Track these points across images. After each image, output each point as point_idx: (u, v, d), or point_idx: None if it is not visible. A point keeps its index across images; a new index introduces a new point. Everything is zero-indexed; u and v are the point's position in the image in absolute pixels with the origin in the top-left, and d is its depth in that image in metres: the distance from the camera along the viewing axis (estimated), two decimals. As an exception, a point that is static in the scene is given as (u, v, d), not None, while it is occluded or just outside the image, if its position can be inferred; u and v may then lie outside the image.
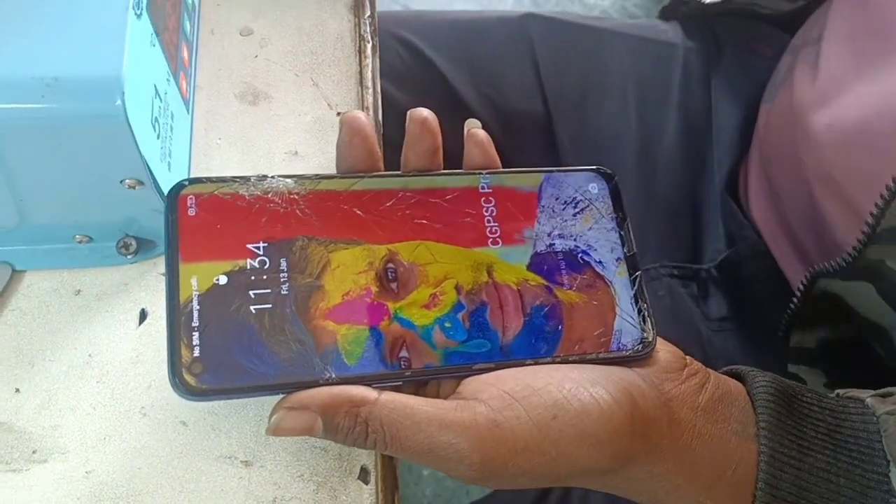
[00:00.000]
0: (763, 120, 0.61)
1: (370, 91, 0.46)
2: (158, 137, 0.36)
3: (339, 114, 0.46)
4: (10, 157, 0.34)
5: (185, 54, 0.42)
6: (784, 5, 0.65)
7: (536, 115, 0.67)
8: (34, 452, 0.36)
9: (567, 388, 0.31)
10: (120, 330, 0.39)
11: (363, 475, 0.37)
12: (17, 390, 0.37)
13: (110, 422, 0.37)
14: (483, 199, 0.36)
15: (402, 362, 0.32)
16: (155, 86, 0.36)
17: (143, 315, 0.39)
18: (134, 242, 0.40)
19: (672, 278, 0.64)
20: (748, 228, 0.62)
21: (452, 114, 0.42)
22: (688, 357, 0.36)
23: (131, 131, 0.32)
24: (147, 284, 0.40)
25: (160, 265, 0.41)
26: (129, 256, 0.40)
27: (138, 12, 0.34)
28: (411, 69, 0.65)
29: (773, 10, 0.65)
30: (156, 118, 0.36)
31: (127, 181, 0.35)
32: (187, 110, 0.42)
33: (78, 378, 0.38)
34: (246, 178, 0.33)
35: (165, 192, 0.36)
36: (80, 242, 0.39)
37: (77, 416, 0.37)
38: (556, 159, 0.66)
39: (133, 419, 0.37)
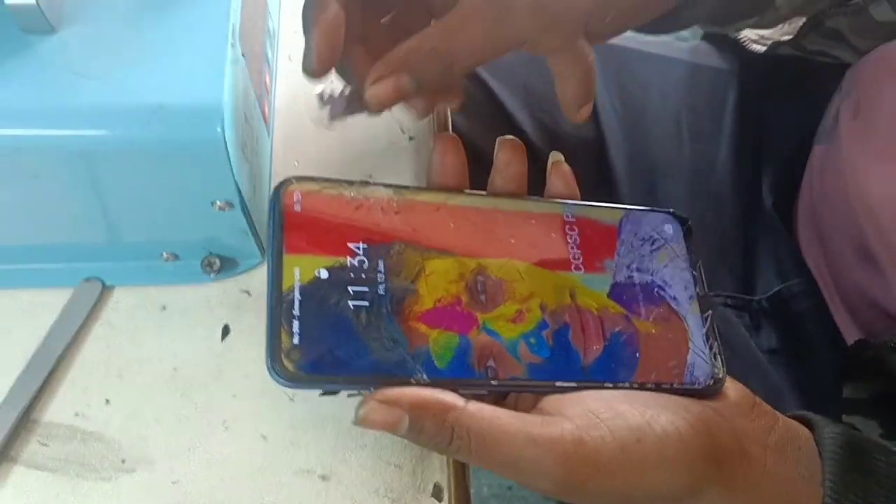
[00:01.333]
0: (816, 163, 0.61)
1: (441, 114, 0.47)
2: (247, 161, 0.37)
3: (410, 138, 0.47)
4: (106, 179, 0.35)
5: (267, 79, 0.44)
6: (849, 57, 0.65)
7: (589, 140, 0.68)
8: (123, 461, 0.38)
9: (649, 413, 0.32)
10: (203, 345, 0.41)
11: (437, 492, 0.38)
12: (108, 401, 0.39)
13: (194, 434, 0.39)
14: (567, 226, 0.37)
15: (489, 371, 0.33)
16: (245, 112, 0.38)
17: (225, 330, 0.41)
18: (218, 261, 0.41)
19: (725, 307, 0.64)
20: (800, 265, 0.62)
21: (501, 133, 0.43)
22: (756, 398, 0.37)
23: (228, 157, 0.34)
24: (229, 301, 0.42)
25: (242, 283, 0.42)
26: (212, 274, 0.41)
27: (233, 41, 0.35)
28: (467, 92, 0.67)
29: (836, 60, 0.65)
30: (244, 142, 0.37)
31: (218, 203, 0.37)
32: (269, 133, 0.44)
33: (163, 391, 0.39)
34: (350, 181, 0.34)
35: (250, 214, 0.38)
36: (166, 260, 0.41)
37: (163, 427, 0.39)
38: (609, 186, 0.66)
39: (216, 432, 0.39)
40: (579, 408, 0.32)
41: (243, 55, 0.38)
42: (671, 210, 0.40)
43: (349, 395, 0.40)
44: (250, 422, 0.39)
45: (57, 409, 0.39)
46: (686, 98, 0.68)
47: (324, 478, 0.38)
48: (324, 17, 0.34)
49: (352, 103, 0.35)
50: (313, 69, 0.34)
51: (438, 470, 0.39)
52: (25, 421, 0.38)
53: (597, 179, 0.67)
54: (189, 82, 0.33)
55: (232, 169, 0.34)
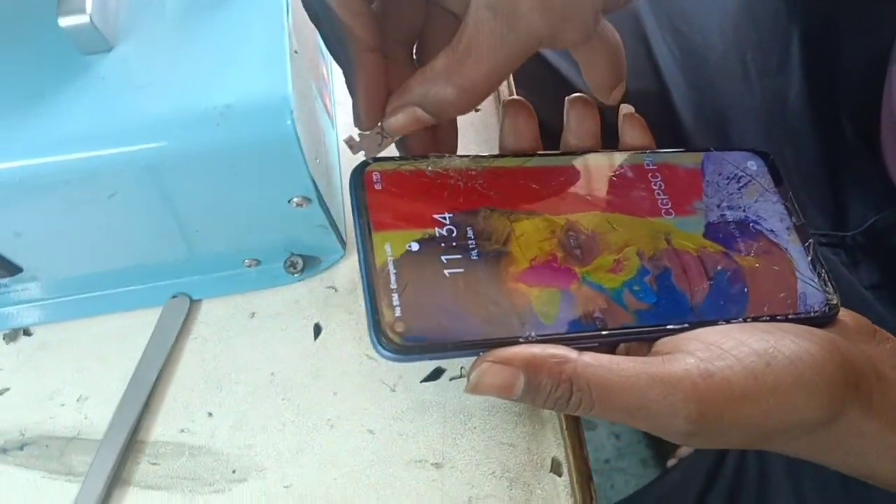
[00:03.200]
0: (894, 85, 0.58)
1: (504, 84, 0.46)
2: (317, 156, 0.37)
3: (477, 110, 0.46)
4: (180, 191, 0.35)
5: (325, 72, 0.43)
6: None
7: (652, 93, 0.65)
8: (234, 472, 0.38)
9: (773, 339, 0.31)
10: (297, 347, 0.40)
11: (555, 467, 0.37)
12: (210, 414, 0.39)
13: (300, 436, 0.38)
14: (650, 174, 0.36)
15: (597, 322, 0.32)
16: (309, 105, 0.37)
17: (317, 329, 0.40)
18: (300, 261, 0.41)
19: (819, 246, 0.62)
20: (892, 193, 0.59)
21: (562, 101, 0.41)
22: (875, 325, 0.35)
23: (301, 150, 0.33)
24: (317, 300, 0.41)
25: (327, 279, 0.41)
26: (296, 275, 0.41)
27: (290, 33, 0.35)
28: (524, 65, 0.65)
29: None
30: (313, 135, 0.36)
31: (295, 200, 0.36)
32: (332, 125, 0.43)
33: (264, 397, 0.39)
34: (425, 157, 0.34)
35: (326, 207, 0.37)
36: (249, 267, 0.41)
37: (268, 433, 0.38)
38: (678, 137, 0.64)
39: (322, 431, 0.38)
40: (698, 342, 0.31)
41: (296, 51, 0.37)
42: (751, 148, 0.38)
43: (451, 378, 0.39)
44: (354, 418, 0.38)
45: (162, 428, 0.39)
46: (748, 34, 0.65)
47: (437, 465, 0.37)
48: (364, 75, 0.33)
49: (379, 139, 0.35)
50: (364, 125, 0.34)
51: (554, 444, 0.38)
52: (133, 443, 0.38)
53: (665, 132, 0.65)
54: (252, 79, 0.32)
55: (306, 162, 0.34)
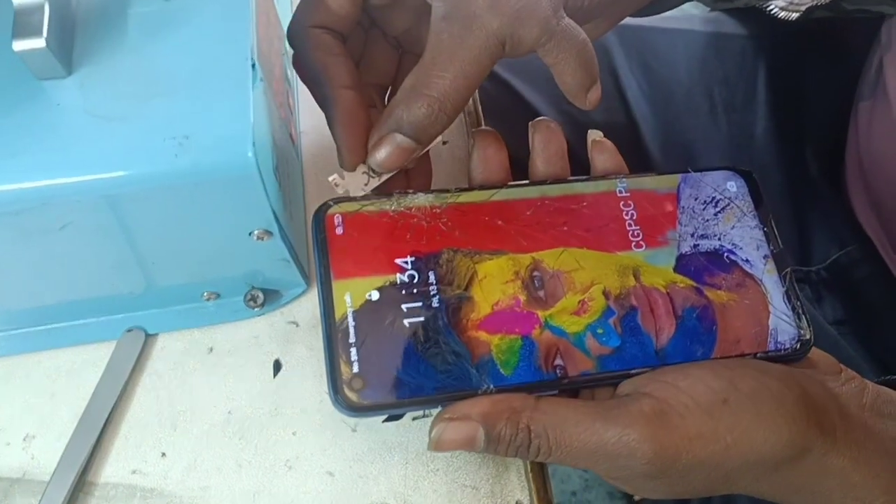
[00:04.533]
0: (862, 120, 0.58)
1: (472, 115, 0.45)
2: (280, 187, 0.36)
3: (444, 142, 0.45)
4: (138, 222, 0.34)
5: (290, 100, 0.42)
6: (891, 9, 0.62)
7: (620, 126, 0.66)
8: (187, 516, 0.36)
9: (731, 375, 0.31)
10: (256, 384, 0.39)
11: (519, 511, 0.36)
12: (164, 454, 0.37)
13: (257, 478, 0.37)
14: (622, 202, 0.35)
15: (557, 370, 0.32)
16: (272, 134, 0.36)
17: (277, 366, 0.39)
18: (261, 294, 0.39)
19: None
20: (856, 230, 0.59)
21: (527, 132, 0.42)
22: (841, 364, 0.35)
23: (262, 182, 0.32)
24: (277, 335, 0.40)
25: (288, 314, 0.40)
26: (257, 309, 0.40)
27: (253, 62, 0.34)
28: (486, 90, 0.65)
29: (875, 16, 0.62)
30: (276, 167, 0.36)
31: (256, 233, 0.35)
32: (297, 156, 0.42)
33: (220, 436, 0.38)
34: (388, 195, 0.33)
35: (289, 240, 0.36)
36: (208, 300, 0.39)
37: (224, 475, 0.37)
38: (646, 169, 0.64)
39: (279, 473, 0.37)
40: (656, 383, 0.31)
41: (262, 78, 0.36)
42: (732, 166, 0.37)
43: (414, 418, 0.38)
44: (314, 459, 0.37)
45: (113, 469, 0.37)
46: (715, 70, 0.66)
47: (399, 509, 0.36)
48: (342, 112, 0.34)
49: (365, 179, 0.34)
50: (347, 164, 0.34)
51: (518, 487, 0.37)
52: (82, 484, 0.36)
53: (633, 165, 0.65)
54: (213, 109, 0.31)
55: (267, 194, 0.33)
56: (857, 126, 0.58)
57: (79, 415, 0.37)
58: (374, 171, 0.34)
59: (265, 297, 0.39)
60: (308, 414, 0.38)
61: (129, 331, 0.39)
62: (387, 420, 0.38)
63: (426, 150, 0.34)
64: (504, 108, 0.65)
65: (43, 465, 0.37)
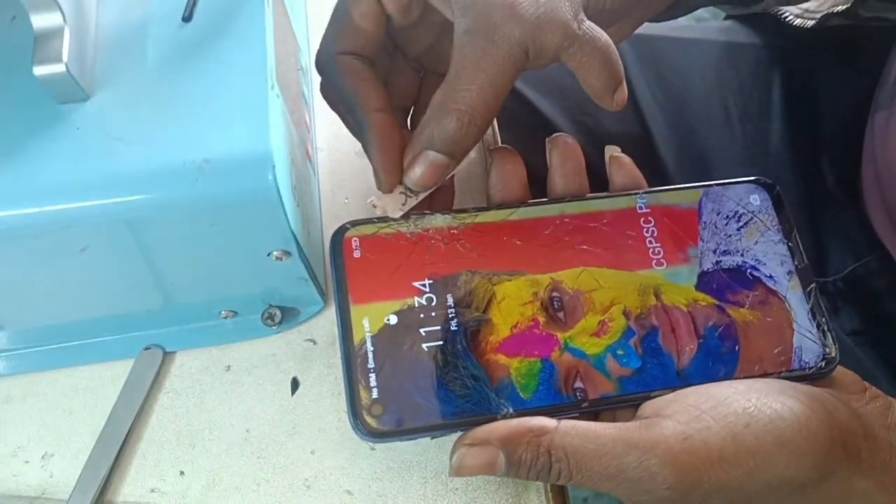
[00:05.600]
0: (878, 131, 0.58)
1: (489, 132, 0.45)
2: (298, 205, 0.36)
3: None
4: (157, 244, 0.34)
5: (307, 118, 0.42)
6: None
7: (635, 136, 0.65)
8: (206, 535, 0.36)
9: (755, 397, 0.30)
10: (274, 402, 0.39)
11: (538, 531, 0.36)
12: (182, 473, 0.37)
13: (275, 497, 0.37)
14: (642, 219, 0.35)
15: (577, 393, 0.31)
16: (289, 154, 0.36)
17: (295, 384, 0.39)
18: (278, 312, 0.39)
19: None
20: (872, 241, 0.59)
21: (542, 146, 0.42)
22: (865, 382, 0.34)
23: (282, 205, 0.32)
24: (295, 353, 0.40)
25: (306, 332, 0.40)
26: (274, 327, 0.40)
27: (272, 84, 0.34)
28: (505, 106, 0.65)
29: (892, 23, 0.62)
30: (294, 186, 0.35)
31: (274, 253, 0.35)
32: (314, 173, 0.42)
33: (238, 455, 0.38)
34: (406, 217, 0.33)
35: (307, 259, 0.36)
36: (225, 318, 0.39)
37: (242, 494, 0.37)
38: (661, 180, 0.64)
39: (298, 492, 0.37)
40: (678, 404, 0.30)
41: (279, 96, 0.36)
42: (755, 178, 0.37)
43: (433, 438, 0.37)
44: (333, 478, 0.37)
45: (131, 487, 0.37)
46: (730, 79, 0.65)
47: (417, 529, 0.36)
48: (377, 135, 0.34)
49: (403, 199, 0.34)
50: (385, 186, 0.34)
51: (537, 508, 0.36)
52: (100, 503, 0.36)
53: (648, 177, 0.65)
54: (233, 132, 0.31)
55: (287, 216, 0.33)
56: (874, 136, 0.58)
57: (97, 433, 0.37)
58: (410, 190, 0.33)
59: (283, 316, 0.39)
60: (326, 432, 0.38)
61: (146, 349, 0.39)
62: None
63: (458, 166, 0.34)
64: (518, 119, 0.65)
65: (61, 483, 0.37)
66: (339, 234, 0.32)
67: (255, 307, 0.39)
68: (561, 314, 0.32)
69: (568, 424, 0.30)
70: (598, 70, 0.34)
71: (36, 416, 0.39)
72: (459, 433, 0.30)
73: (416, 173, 0.33)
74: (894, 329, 0.58)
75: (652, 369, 0.32)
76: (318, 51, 0.36)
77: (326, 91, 0.37)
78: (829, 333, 0.34)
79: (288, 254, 0.35)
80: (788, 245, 0.35)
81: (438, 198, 0.37)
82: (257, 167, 0.31)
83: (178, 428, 0.38)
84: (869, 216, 0.60)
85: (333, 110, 0.36)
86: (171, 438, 0.38)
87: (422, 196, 0.34)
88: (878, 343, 0.59)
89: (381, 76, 0.37)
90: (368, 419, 0.29)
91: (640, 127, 0.65)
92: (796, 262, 0.35)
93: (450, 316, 0.32)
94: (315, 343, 0.40)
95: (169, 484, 0.37)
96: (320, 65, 0.36)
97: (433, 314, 0.31)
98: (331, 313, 0.41)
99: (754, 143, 0.64)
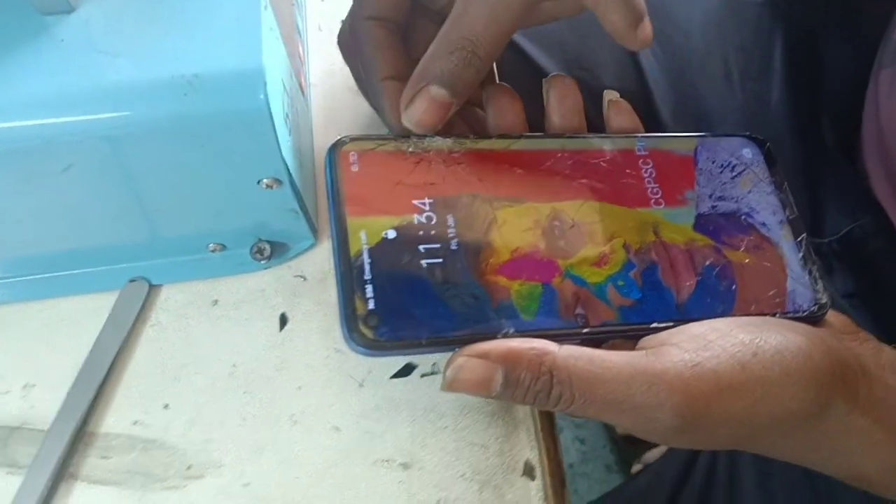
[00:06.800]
0: (883, 88, 0.57)
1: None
2: (291, 134, 0.35)
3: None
4: (143, 166, 0.33)
5: (300, 50, 0.41)
6: None
7: (634, 92, 0.64)
8: (189, 468, 0.35)
9: (759, 330, 0.30)
10: (261, 337, 0.38)
11: (528, 470, 0.36)
12: (166, 406, 0.37)
13: (261, 432, 0.36)
14: (640, 160, 0.35)
15: (578, 318, 0.31)
16: (283, 81, 0.35)
17: (283, 320, 0.38)
18: (268, 247, 0.38)
19: None
20: (870, 202, 0.58)
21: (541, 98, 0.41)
22: (856, 325, 0.34)
23: (273, 127, 0.31)
24: (284, 289, 0.39)
25: (295, 268, 0.39)
26: (263, 262, 0.39)
27: (265, 4, 0.33)
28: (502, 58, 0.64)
29: None
30: (286, 114, 0.35)
31: (265, 181, 0.34)
32: (308, 107, 0.41)
33: (224, 390, 0.37)
34: (406, 136, 0.33)
35: (298, 190, 0.35)
36: (213, 251, 0.38)
37: (227, 428, 0.36)
38: (660, 136, 0.63)
39: (284, 428, 0.36)
40: (683, 335, 0.30)
41: (273, 15, 0.35)
42: (747, 133, 0.38)
43: (423, 375, 0.37)
44: (320, 414, 0.36)
45: (114, 420, 0.36)
46: (731, 37, 0.64)
47: (405, 466, 0.35)
48: (390, 100, 0.34)
49: None
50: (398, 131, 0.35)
51: (527, 446, 0.36)
52: (82, 435, 0.36)
53: (645, 131, 0.64)
54: (225, 48, 0.30)
55: (277, 140, 0.32)
56: (879, 94, 0.57)
57: (79, 365, 0.37)
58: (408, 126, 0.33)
59: (272, 251, 0.39)
60: (314, 369, 0.37)
61: (132, 281, 0.38)
62: (395, 376, 0.37)
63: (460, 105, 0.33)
64: (517, 74, 0.64)
65: (42, 414, 0.36)
66: (336, 146, 0.31)
67: (245, 241, 0.38)
68: (562, 242, 0.32)
69: (572, 348, 0.29)
70: (616, 5, 0.33)
71: (18, 347, 0.38)
72: (456, 350, 0.29)
73: (416, 109, 0.32)
74: (888, 291, 0.58)
75: (652, 301, 0.32)
76: (348, 14, 0.37)
77: (349, 51, 0.38)
78: (819, 280, 0.34)
79: (279, 182, 0.34)
80: (780, 197, 0.36)
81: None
82: (249, 84, 0.30)
83: (162, 361, 0.37)
84: (867, 177, 0.59)
85: (354, 77, 0.38)
86: (156, 372, 0.37)
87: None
88: (871, 305, 0.58)
89: (403, 35, 0.37)
90: (364, 330, 0.28)
91: (639, 83, 0.64)
92: (787, 213, 0.36)
93: (450, 235, 0.31)
94: (305, 279, 0.39)
95: (152, 417, 0.36)
96: (351, 28, 0.37)
97: (433, 232, 0.31)
98: (321, 250, 0.40)
99: (754, 101, 0.63)
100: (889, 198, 0.57)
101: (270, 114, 0.30)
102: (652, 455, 0.99)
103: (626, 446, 1.08)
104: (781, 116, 0.63)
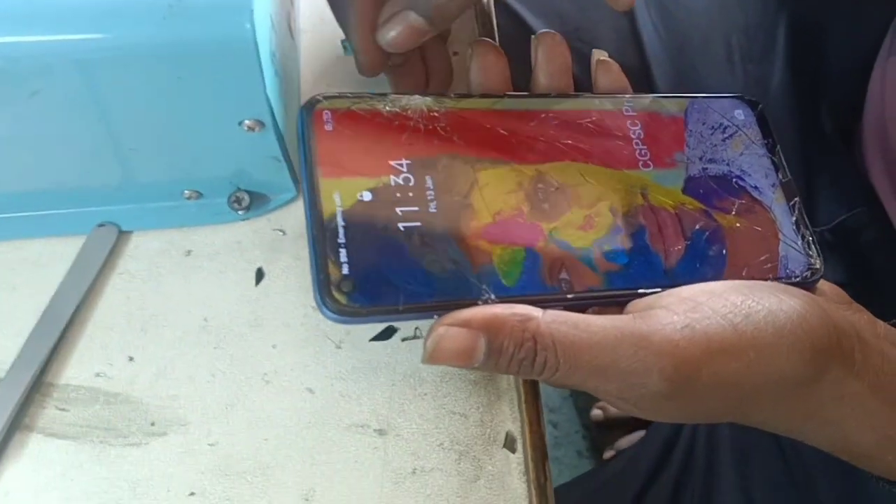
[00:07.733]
0: (890, 77, 0.56)
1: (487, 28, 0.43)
2: (277, 75, 0.33)
3: (454, 53, 0.42)
4: (116, 96, 0.31)
5: (291, -7, 0.39)
6: None
7: (633, 67, 0.63)
8: (153, 424, 0.33)
9: (751, 292, 0.29)
10: (236, 291, 0.36)
11: (509, 442, 0.34)
12: (131, 359, 0.34)
13: (231, 390, 0.34)
14: (629, 121, 0.34)
15: (563, 284, 0.30)
16: (271, 16, 0.33)
17: (260, 274, 0.36)
18: (247, 197, 0.36)
19: None
20: (865, 192, 0.57)
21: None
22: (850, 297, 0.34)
23: (258, 61, 0.29)
24: (262, 242, 0.37)
25: (275, 221, 0.37)
26: (241, 212, 0.37)
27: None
28: (498, 23, 0.62)
29: None
30: (273, 52, 0.32)
31: (246, 122, 0.32)
32: (296, 53, 0.39)
33: (194, 344, 0.35)
34: (383, 95, 0.31)
35: (282, 136, 0.33)
36: (188, 199, 0.36)
37: (196, 384, 0.34)
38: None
39: (255, 386, 0.34)
40: (672, 297, 0.29)
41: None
42: (739, 94, 0.36)
43: (404, 339, 0.35)
44: (294, 374, 0.35)
45: (75, 370, 0.34)
46: (736, 18, 0.63)
47: (380, 432, 0.34)
48: (358, 14, 0.33)
49: None
50: (365, 68, 0.35)
51: (509, 418, 0.34)
52: (40, 384, 0.34)
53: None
54: (209, -28, 0.28)
55: (262, 77, 0.30)
56: (884, 82, 0.56)
57: (40, 311, 0.35)
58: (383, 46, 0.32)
59: (251, 201, 0.37)
60: (290, 327, 0.35)
61: (100, 225, 0.36)
62: (374, 339, 0.35)
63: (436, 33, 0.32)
64: (511, 40, 0.62)
65: (-1, 361, 0.34)
66: (310, 105, 0.30)
67: (222, 189, 0.36)
68: (546, 205, 0.31)
69: (556, 313, 0.27)
70: None
71: (-25, 290, 0.36)
72: (435, 318, 0.28)
73: (391, 32, 0.32)
74: (880, 283, 0.57)
75: (639, 266, 0.31)
76: None
77: None
78: (813, 246, 0.33)
79: (261, 124, 0.32)
80: (773, 160, 0.35)
81: (435, 77, 0.35)
82: (234, 11, 0.28)
83: (129, 311, 0.35)
84: (865, 166, 0.58)
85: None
86: (122, 322, 0.35)
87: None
88: (862, 296, 0.57)
89: None
90: (337, 296, 0.27)
91: (639, 59, 0.63)
92: (780, 177, 0.35)
93: (428, 198, 0.29)
94: (284, 233, 0.37)
95: (116, 369, 0.34)
96: None
97: (410, 194, 0.29)
98: (303, 204, 0.38)
99: (755, 83, 0.62)
100: (886, 185, 0.56)
101: (256, 46, 0.28)
102: (625, 441, 0.98)
103: (599, 433, 1.07)
104: (781, 100, 0.62)
